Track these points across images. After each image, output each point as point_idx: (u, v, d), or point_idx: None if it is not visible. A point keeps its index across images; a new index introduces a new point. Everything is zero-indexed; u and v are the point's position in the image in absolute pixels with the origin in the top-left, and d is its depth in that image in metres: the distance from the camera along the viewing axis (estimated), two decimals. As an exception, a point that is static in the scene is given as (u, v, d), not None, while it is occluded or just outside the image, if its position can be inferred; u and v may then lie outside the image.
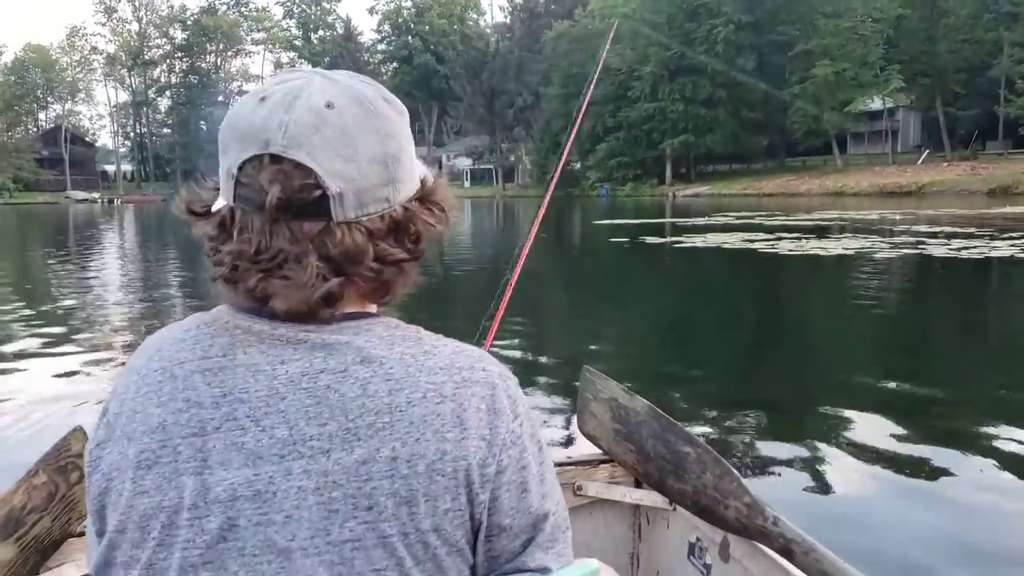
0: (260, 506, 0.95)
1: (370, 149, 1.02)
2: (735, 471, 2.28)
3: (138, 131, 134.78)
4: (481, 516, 1.02)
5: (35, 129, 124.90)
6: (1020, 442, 5.30)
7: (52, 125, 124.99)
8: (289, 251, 0.99)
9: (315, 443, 0.96)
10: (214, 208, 1.06)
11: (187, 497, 0.97)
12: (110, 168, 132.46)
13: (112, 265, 21.22)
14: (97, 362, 8.17)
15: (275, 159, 0.98)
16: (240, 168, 1.00)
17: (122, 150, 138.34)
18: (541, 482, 1.08)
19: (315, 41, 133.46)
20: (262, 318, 1.04)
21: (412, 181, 1.09)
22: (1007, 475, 4.80)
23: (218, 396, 1.00)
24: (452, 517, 0.99)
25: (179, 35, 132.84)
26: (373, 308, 1.12)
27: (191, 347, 1.05)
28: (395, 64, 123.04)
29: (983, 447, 5.27)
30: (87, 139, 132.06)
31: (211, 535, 0.95)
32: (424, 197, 1.10)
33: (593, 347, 9.02)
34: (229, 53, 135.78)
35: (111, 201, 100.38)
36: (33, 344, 9.17)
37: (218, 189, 1.06)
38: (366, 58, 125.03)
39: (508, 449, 1.04)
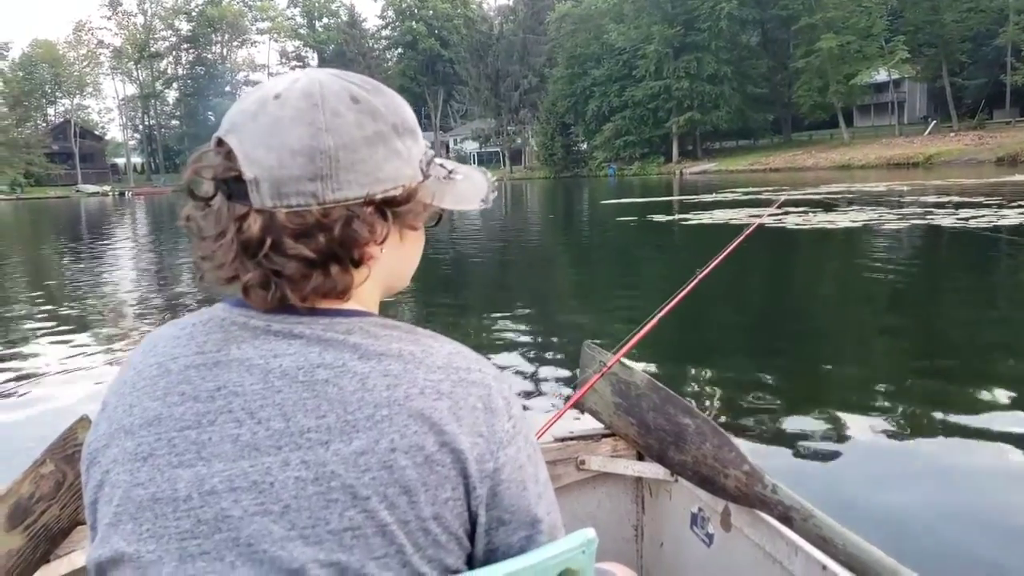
0: (257, 496, 0.96)
1: (296, 141, 1.01)
2: (734, 440, 2.33)
3: (146, 123, 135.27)
4: (477, 510, 1.03)
5: (44, 124, 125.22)
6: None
7: (61, 119, 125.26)
8: (215, 231, 1.03)
9: (313, 435, 0.98)
10: None
11: (182, 489, 0.98)
12: (120, 161, 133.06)
13: (124, 256, 21.27)
14: (105, 352, 8.22)
15: (218, 143, 1.04)
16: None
17: (131, 143, 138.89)
18: (536, 482, 1.10)
19: (320, 29, 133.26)
20: (257, 312, 1.06)
21: (366, 185, 1.04)
22: (1009, 441, 4.83)
23: (212, 390, 1.01)
24: (452, 506, 1.01)
25: (184, 27, 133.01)
26: (363, 305, 1.11)
27: (186, 343, 1.07)
28: (400, 49, 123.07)
29: (990, 412, 5.28)
30: (96, 132, 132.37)
31: (207, 526, 0.96)
32: (382, 204, 1.06)
33: (597, 322, 9.06)
34: (235, 43, 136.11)
35: (122, 194, 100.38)
36: (41, 334, 9.25)
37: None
38: (371, 44, 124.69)
39: (505, 447, 1.05)
